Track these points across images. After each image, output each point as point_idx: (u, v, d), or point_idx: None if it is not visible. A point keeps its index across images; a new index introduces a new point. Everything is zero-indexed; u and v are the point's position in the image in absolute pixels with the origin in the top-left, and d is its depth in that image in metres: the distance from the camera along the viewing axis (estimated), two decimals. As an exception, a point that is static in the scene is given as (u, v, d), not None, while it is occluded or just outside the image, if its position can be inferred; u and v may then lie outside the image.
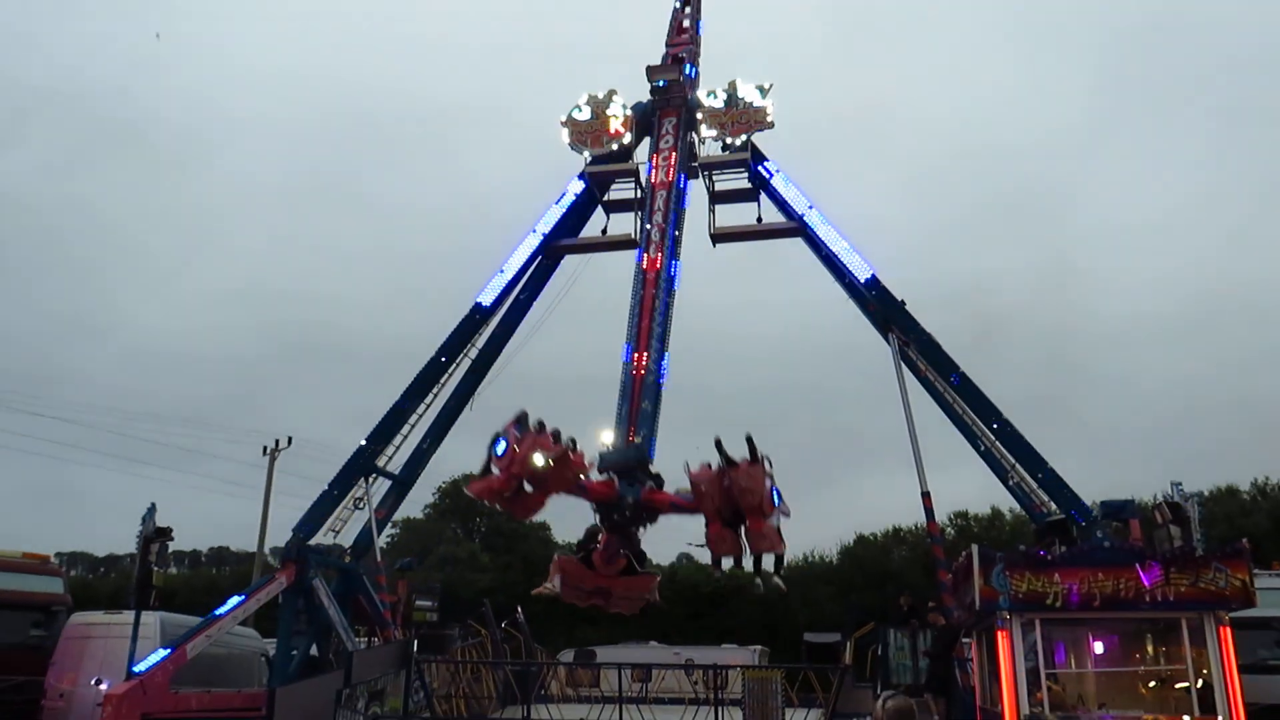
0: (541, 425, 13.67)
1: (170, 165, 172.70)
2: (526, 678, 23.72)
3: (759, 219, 22.46)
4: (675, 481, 14.83)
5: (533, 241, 22.38)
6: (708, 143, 22.23)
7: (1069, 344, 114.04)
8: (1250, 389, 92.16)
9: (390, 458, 21.81)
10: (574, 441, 13.79)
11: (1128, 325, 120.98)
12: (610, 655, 27.69)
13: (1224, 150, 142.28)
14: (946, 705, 16.79)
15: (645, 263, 19.40)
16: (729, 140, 21.86)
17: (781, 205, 21.86)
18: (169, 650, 17.12)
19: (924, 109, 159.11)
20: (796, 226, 21.61)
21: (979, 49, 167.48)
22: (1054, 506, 18.13)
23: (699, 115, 22.03)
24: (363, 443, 21.32)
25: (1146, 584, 11.97)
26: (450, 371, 21.93)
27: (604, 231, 22.90)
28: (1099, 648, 13.12)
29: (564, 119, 22.53)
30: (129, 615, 17.33)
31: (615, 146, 22.17)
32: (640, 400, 15.63)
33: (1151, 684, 12.71)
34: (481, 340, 22.23)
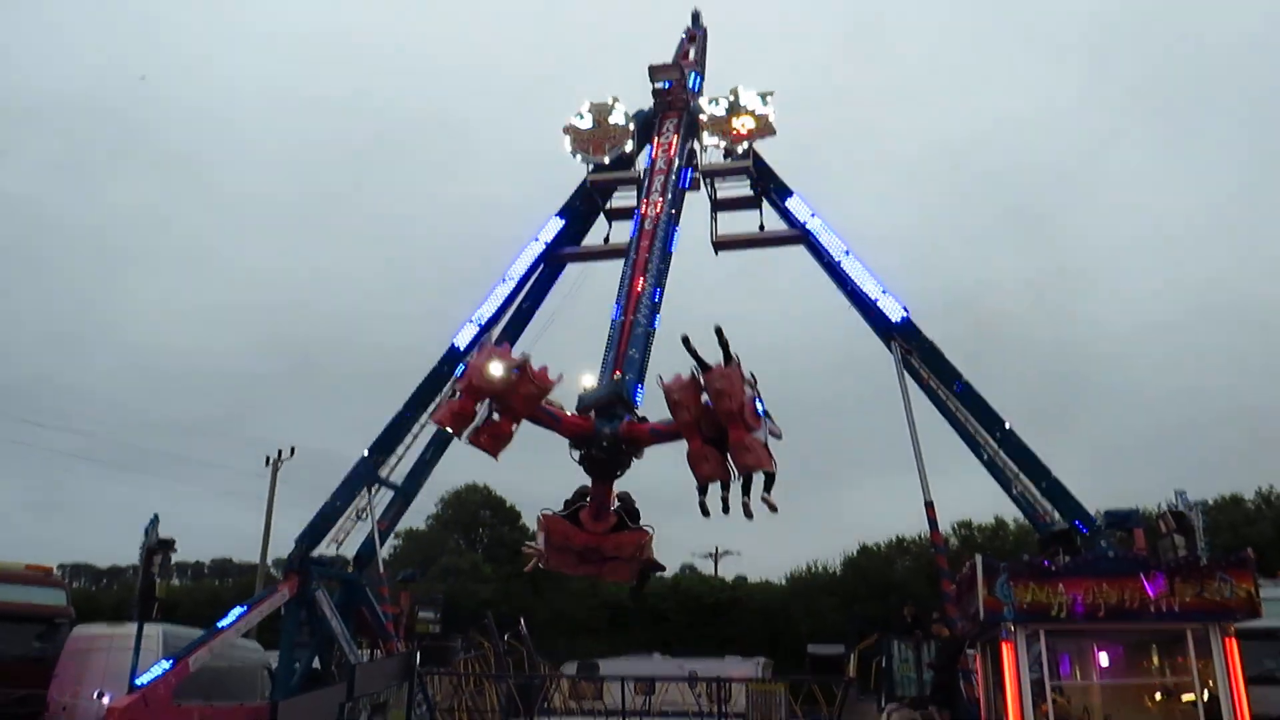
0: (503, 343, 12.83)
1: (174, 180, 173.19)
2: (529, 690, 23.70)
3: (761, 226, 22.46)
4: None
5: (535, 249, 22.38)
6: (709, 150, 22.22)
7: (1071, 353, 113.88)
8: (1254, 399, 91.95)
9: (393, 468, 21.79)
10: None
11: (1132, 334, 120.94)
12: (613, 668, 27.62)
13: (1233, 159, 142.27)
14: (951, 718, 16.72)
15: (643, 209, 19.01)
16: (731, 147, 21.86)
17: (784, 213, 21.86)
18: (171, 663, 17.08)
19: (924, 117, 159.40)
20: (799, 234, 21.61)
21: (986, 63, 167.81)
22: (1058, 516, 18.05)
23: (701, 119, 21.98)
24: (365, 453, 21.30)
25: (1151, 594, 11.92)
26: (453, 381, 21.90)
27: (606, 240, 22.90)
28: (1104, 659, 13.06)
29: (565, 126, 22.57)
30: (131, 628, 17.30)
31: (618, 154, 22.16)
32: (627, 347, 14.91)
33: (1157, 696, 12.66)
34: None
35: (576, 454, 12.02)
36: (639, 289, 16.38)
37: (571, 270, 23.11)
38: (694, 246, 21.54)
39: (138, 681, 16.31)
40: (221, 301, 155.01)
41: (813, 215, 21.40)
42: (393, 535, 27.14)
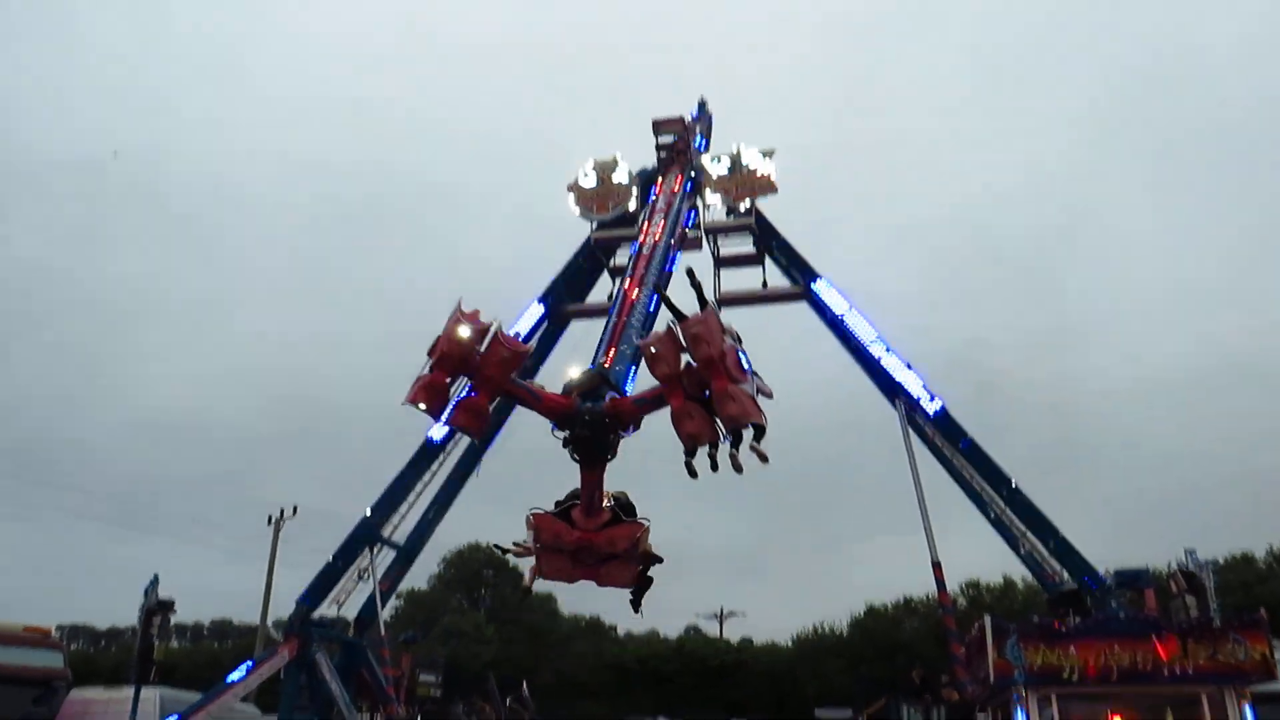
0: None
1: (177, 243, 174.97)
2: (532, 754, 23.25)
3: (764, 283, 22.64)
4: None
5: (538, 309, 22.56)
6: (712, 208, 22.43)
7: (1075, 411, 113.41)
8: (1261, 461, 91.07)
9: (396, 527, 21.66)
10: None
11: (1137, 391, 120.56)
12: (617, 731, 27.11)
13: (1237, 221, 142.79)
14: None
15: (641, 237, 18.71)
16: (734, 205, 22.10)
17: (787, 271, 22.03)
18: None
19: (924, 168, 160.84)
20: (801, 291, 21.75)
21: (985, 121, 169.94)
22: (1066, 575, 17.86)
23: (704, 177, 22.19)
24: (367, 513, 21.18)
25: (1164, 657, 11.74)
26: (454, 440, 21.85)
27: (610, 297, 23.01)
28: (1118, 724, 12.81)
29: (570, 184, 22.82)
30: (129, 691, 17.08)
31: (621, 212, 22.37)
32: (619, 344, 14.71)
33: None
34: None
35: (561, 436, 11.55)
36: (634, 297, 16.29)
37: (574, 328, 23.23)
38: (696, 307, 21.59)
39: (134, 746, 16.05)
40: (225, 364, 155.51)
41: (850, 308, 21.31)
42: (394, 596, 26.87)
